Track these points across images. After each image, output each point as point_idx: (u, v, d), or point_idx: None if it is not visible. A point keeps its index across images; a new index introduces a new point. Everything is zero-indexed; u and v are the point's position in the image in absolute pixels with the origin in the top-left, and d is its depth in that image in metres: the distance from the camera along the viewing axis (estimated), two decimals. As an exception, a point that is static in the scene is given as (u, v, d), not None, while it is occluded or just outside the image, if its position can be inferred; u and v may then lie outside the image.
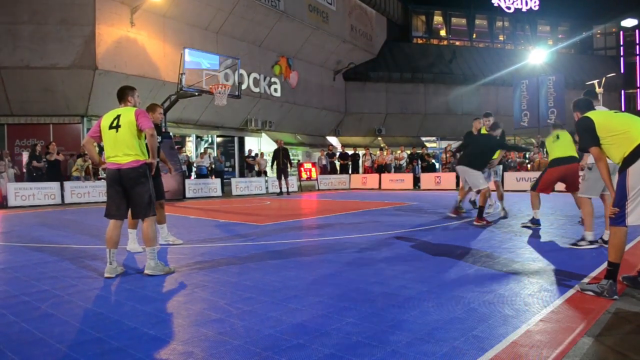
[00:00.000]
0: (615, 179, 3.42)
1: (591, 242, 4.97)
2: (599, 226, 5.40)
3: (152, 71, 17.13)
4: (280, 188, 16.54)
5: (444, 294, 3.34)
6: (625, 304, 3.07)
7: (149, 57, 17.11)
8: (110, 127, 4.19)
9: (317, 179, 20.19)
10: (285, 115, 24.22)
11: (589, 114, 3.62)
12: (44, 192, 13.50)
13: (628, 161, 3.30)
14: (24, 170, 14.98)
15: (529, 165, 18.28)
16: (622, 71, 34.41)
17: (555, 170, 6.02)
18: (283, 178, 16.51)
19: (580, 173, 5.66)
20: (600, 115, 3.58)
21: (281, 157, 16.25)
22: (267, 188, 17.89)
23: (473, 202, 8.40)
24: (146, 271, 4.18)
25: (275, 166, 16.59)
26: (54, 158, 14.17)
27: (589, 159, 5.30)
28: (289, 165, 16.46)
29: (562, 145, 6.09)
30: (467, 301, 3.14)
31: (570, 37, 33.97)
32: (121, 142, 4.15)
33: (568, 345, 2.37)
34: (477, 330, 2.60)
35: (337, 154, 22.24)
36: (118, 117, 4.20)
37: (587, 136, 3.53)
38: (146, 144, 4.30)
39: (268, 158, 21.93)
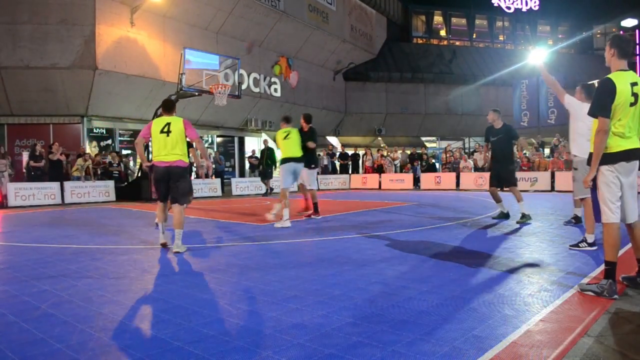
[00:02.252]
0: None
1: (591, 245, 4.86)
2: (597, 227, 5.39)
3: (152, 71, 17.12)
4: (267, 188, 16.64)
5: (444, 294, 3.34)
6: (625, 304, 3.07)
7: (149, 57, 17.09)
8: (161, 132, 5.27)
9: (317, 179, 20.16)
10: (285, 115, 24.19)
11: (617, 79, 3.05)
12: (44, 192, 13.50)
13: (606, 159, 3.18)
14: (24, 170, 14.97)
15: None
16: (622, 71, 34.40)
17: None
18: (267, 178, 16.50)
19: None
20: (625, 91, 3.05)
21: (265, 157, 16.25)
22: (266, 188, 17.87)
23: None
24: (174, 249, 5.20)
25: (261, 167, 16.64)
26: (56, 158, 14.16)
27: (574, 158, 5.34)
28: (273, 166, 16.41)
29: None
30: (467, 301, 3.14)
31: (570, 37, 33.92)
32: (171, 145, 5.26)
33: (568, 345, 2.37)
34: (477, 330, 2.60)
35: (337, 154, 22.23)
36: (168, 124, 5.29)
37: (603, 101, 3.05)
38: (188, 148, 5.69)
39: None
